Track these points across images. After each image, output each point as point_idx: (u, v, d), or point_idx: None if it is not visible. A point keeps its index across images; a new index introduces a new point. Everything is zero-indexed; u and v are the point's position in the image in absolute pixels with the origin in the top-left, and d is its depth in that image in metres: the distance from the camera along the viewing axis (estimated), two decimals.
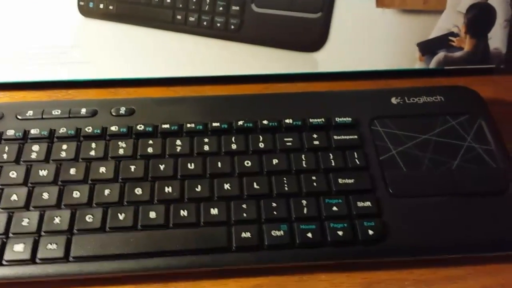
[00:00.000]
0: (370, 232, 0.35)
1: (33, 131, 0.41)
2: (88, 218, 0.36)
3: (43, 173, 0.38)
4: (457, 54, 0.48)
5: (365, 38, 0.47)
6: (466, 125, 0.42)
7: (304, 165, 0.39)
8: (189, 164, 0.39)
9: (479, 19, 0.47)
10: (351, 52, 0.48)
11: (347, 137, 0.41)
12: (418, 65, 0.48)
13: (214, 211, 0.36)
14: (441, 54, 0.48)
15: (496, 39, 0.47)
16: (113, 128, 0.41)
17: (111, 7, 0.47)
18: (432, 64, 0.48)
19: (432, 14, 0.47)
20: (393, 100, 0.44)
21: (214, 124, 0.41)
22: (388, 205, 0.37)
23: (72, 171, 0.38)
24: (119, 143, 0.40)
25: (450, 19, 0.47)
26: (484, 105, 0.44)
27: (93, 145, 0.40)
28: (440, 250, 0.36)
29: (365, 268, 0.36)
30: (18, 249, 0.34)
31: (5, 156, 0.39)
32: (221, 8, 0.47)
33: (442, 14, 0.47)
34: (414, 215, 0.37)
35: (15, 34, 0.46)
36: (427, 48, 0.48)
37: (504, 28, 0.47)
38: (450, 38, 0.48)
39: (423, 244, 0.36)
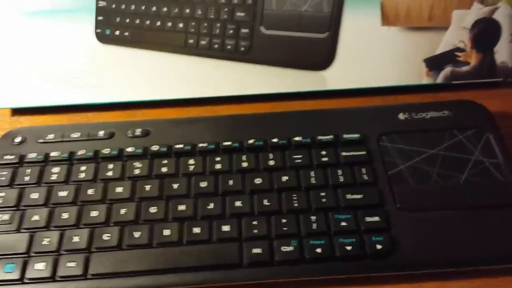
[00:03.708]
0: (379, 246, 0.36)
1: (53, 154, 0.43)
2: (106, 237, 0.37)
3: (63, 194, 0.40)
4: (464, 68, 0.49)
5: (372, 55, 0.48)
6: (473, 139, 0.42)
7: (313, 182, 0.40)
8: (201, 183, 0.40)
9: (485, 34, 0.48)
10: (358, 70, 0.49)
11: (356, 153, 0.42)
12: (425, 80, 0.49)
13: (226, 227, 0.37)
14: (448, 69, 0.49)
15: (502, 53, 0.48)
16: (129, 149, 0.43)
17: (126, 34, 0.50)
18: (439, 79, 0.49)
19: (438, 30, 0.48)
20: (401, 116, 0.45)
21: (226, 143, 0.43)
22: (397, 219, 0.38)
23: (91, 191, 0.40)
24: (135, 163, 0.42)
25: (456, 35, 0.48)
26: (491, 119, 0.44)
27: (110, 166, 0.42)
28: (448, 264, 0.36)
29: (374, 282, 0.36)
30: (39, 267, 0.36)
31: (27, 178, 0.41)
32: (231, 31, 0.49)
33: (447, 30, 0.48)
34: (423, 229, 0.37)
35: (35, 61, 0.49)
36: (434, 63, 0.49)
37: (510, 42, 0.48)
38: (456, 53, 0.48)
39: (432, 258, 0.36)
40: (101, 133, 0.45)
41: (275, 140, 0.43)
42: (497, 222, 0.37)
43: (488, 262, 0.36)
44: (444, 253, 0.36)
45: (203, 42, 0.49)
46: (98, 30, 0.49)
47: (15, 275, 0.35)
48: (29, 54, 0.49)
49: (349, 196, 0.39)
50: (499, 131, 0.43)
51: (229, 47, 0.49)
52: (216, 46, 0.49)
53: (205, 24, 0.49)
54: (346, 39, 0.48)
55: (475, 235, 0.37)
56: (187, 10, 0.49)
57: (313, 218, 0.38)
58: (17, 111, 0.50)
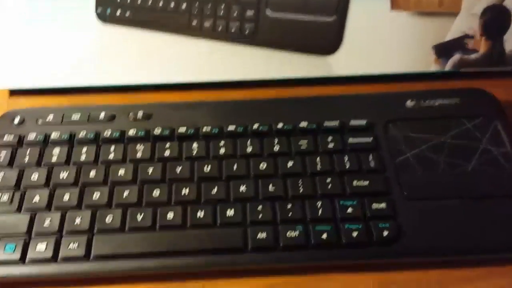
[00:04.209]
0: (385, 233, 0.36)
1: (53, 135, 0.42)
2: (108, 219, 0.37)
3: (64, 175, 0.39)
4: (473, 56, 0.48)
5: (380, 41, 0.48)
6: (481, 128, 0.42)
7: (319, 168, 0.39)
8: (205, 167, 0.40)
9: (494, 22, 0.47)
10: (365, 55, 0.48)
11: (362, 140, 0.41)
12: (433, 67, 0.48)
13: (230, 212, 0.37)
14: (456, 57, 0.48)
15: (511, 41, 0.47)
16: (131, 132, 0.42)
17: (128, 14, 0.48)
18: (448, 67, 0.48)
19: (447, 16, 0.47)
20: (408, 103, 0.44)
21: (230, 128, 0.42)
22: (403, 207, 0.37)
23: (92, 173, 0.39)
24: (137, 146, 0.41)
25: (465, 22, 0.47)
26: (500, 107, 0.44)
27: (112, 148, 0.41)
28: (454, 252, 0.36)
29: (379, 269, 0.36)
30: (40, 248, 0.35)
31: (27, 159, 0.40)
32: (235, 13, 0.48)
33: (457, 16, 0.47)
34: (429, 217, 0.37)
35: (35, 42, 0.48)
36: (443, 50, 0.48)
37: None
38: (465, 40, 0.48)
39: (438, 246, 0.36)
40: (102, 115, 0.44)
41: (280, 125, 0.42)
42: (504, 211, 0.37)
43: (494, 251, 0.36)
44: (450, 242, 0.36)
45: (207, 24, 0.48)
46: (99, 10, 0.48)
47: (16, 256, 0.35)
48: (28, 34, 0.48)
49: (355, 183, 0.38)
50: (508, 120, 0.42)
51: (233, 29, 0.48)
52: (220, 28, 0.48)
53: (209, 5, 0.48)
54: (353, 23, 0.47)
55: (481, 224, 0.36)
56: None
57: (319, 204, 0.37)
58: (15, 92, 0.49)
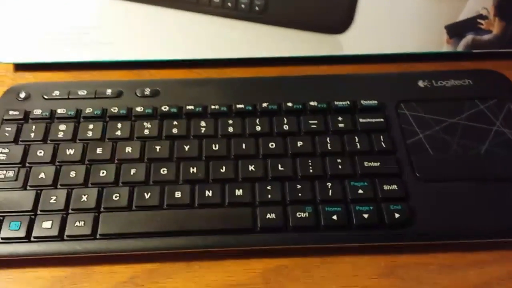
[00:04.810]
0: (396, 215, 0.35)
1: (59, 111, 0.41)
2: (115, 197, 0.36)
3: (70, 152, 0.39)
4: (486, 37, 0.47)
5: (391, 20, 0.47)
6: (495, 110, 0.41)
7: (329, 148, 0.39)
8: (213, 145, 0.39)
9: (509, 2, 0.46)
10: (377, 34, 0.47)
11: (373, 120, 0.41)
12: (445, 48, 0.47)
13: (238, 192, 0.36)
14: (469, 37, 0.47)
15: None
16: (139, 109, 0.41)
17: None
18: (460, 47, 0.47)
19: None
20: (420, 83, 0.43)
21: (239, 106, 0.41)
22: (415, 189, 0.37)
23: (99, 150, 0.39)
24: (145, 123, 0.40)
25: (479, 1, 0.46)
26: None
27: (119, 125, 0.40)
28: (466, 235, 0.35)
29: (389, 252, 0.35)
30: (46, 225, 0.35)
31: (32, 135, 0.40)
32: None
33: None
34: (441, 199, 0.36)
35: (39, 16, 0.47)
36: (455, 30, 0.47)
37: None
38: (479, 20, 0.47)
39: (449, 229, 0.35)
40: (108, 91, 0.43)
41: (289, 104, 0.41)
42: None
43: (506, 235, 0.35)
44: (462, 225, 0.35)
45: (216, 0, 0.47)
46: None
47: (21, 233, 0.34)
48: (34, 7, 0.47)
49: (366, 164, 0.38)
50: None
51: (243, 6, 0.47)
52: (229, 4, 0.47)
53: None
54: (365, 2, 0.46)
55: (494, 207, 0.36)
56: None
57: (329, 184, 0.37)
58: (21, 67, 0.48)
